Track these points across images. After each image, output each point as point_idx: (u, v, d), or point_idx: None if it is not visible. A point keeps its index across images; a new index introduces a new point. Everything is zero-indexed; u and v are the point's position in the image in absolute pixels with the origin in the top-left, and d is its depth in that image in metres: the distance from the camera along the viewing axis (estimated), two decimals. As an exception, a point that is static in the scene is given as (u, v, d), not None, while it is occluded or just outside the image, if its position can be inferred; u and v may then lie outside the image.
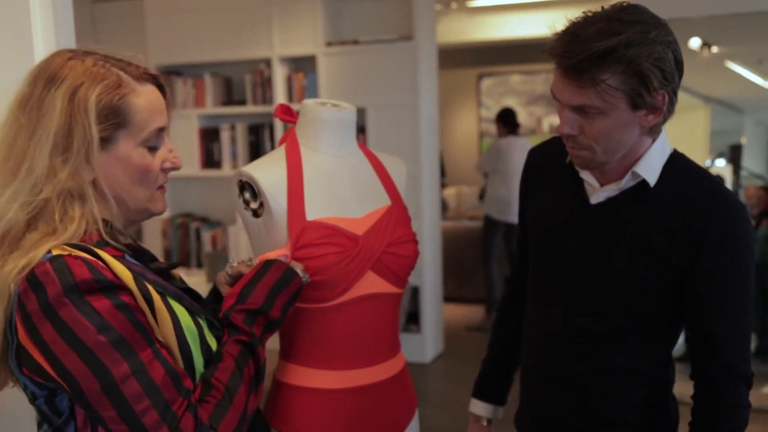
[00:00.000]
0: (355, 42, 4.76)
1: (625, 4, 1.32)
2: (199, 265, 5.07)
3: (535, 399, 1.56)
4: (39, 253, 1.04)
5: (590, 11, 1.32)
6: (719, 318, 1.38)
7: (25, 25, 1.57)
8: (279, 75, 4.92)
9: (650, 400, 1.47)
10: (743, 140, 9.19)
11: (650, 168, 1.39)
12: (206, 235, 5.10)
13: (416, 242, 1.56)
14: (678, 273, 1.37)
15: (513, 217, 5.85)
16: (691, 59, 4.48)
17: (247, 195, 1.47)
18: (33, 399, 1.12)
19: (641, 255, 1.38)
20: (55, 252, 1.05)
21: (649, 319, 1.42)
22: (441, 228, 5.23)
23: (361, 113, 4.68)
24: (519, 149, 5.78)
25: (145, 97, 1.15)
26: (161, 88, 1.21)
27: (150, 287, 1.10)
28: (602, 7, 1.32)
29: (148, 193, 1.19)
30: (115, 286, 1.04)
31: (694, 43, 4.41)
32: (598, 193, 1.43)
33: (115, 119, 1.11)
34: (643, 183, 1.39)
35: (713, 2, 3.92)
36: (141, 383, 1.02)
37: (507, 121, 6.02)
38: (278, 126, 4.89)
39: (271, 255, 1.36)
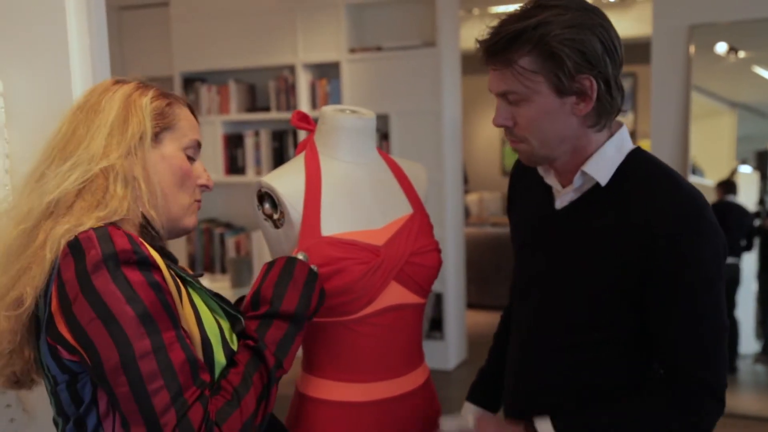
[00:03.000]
0: (379, 48, 4.77)
1: None
2: (223, 271, 5.10)
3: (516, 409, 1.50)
4: (86, 221, 1.08)
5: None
6: (677, 326, 1.27)
7: (61, 32, 1.60)
8: (303, 81, 4.94)
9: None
10: (770, 146, 9.07)
11: (601, 167, 1.32)
12: (230, 241, 5.12)
13: (439, 251, 1.54)
14: (637, 277, 1.28)
15: None
16: (717, 64, 4.44)
17: (267, 205, 1.45)
18: (54, 385, 1.12)
19: (600, 261, 1.31)
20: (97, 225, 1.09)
21: (616, 331, 1.34)
22: (464, 234, 5.21)
23: (384, 119, 4.69)
24: None
25: (185, 112, 1.27)
26: (193, 113, 1.32)
27: (178, 280, 1.13)
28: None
29: (188, 202, 1.25)
30: (151, 264, 1.07)
31: (721, 48, 4.37)
32: (561, 197, 1.38)
33: (163, 120, 1.21)
34: (598, 187, 1.33)
35: (740, 7, 3.88)
36: (159, 363, 1.02)
37: None
38: (302, 132, 4.91)
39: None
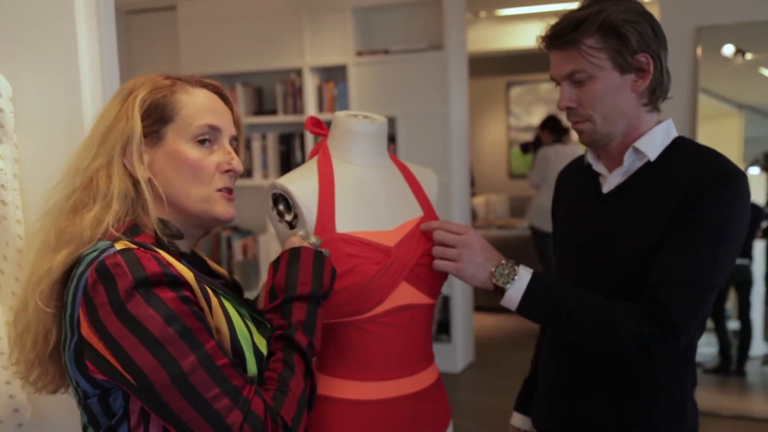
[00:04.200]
0: (386, 51, 4.78)
1: None
2: (230, 274, 5.11)
3: (554, 396, 1.57)
4: (84, 236, 1.10)
5: None
6: (669, 252, 1.35)
7: (71, 36, 1.60)
8: (310, 85, 4.95)
9: (667, 399, 1.45)
10: (778, 148, 9.04)
11: (651, 144, 1.44)
12: (237, 244, 5.14)
13: (448, 253, 1.56)
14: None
15: (545, 225, 5.84)
16: (725, 66, 4.44)
17: (281, 207, 1.48)
18: (84, 398, 1.11)
19: (647, 235, 1.39)
20: (119, 246, 1.07)
21: None
22: (471, 237, 5.21)
23: (391, 122, 4.70)
24: (568, 157, 5.79)
25: (194, 96, 1.21)
26: (224, 98, 1.27)
27: (208, 289, 1.13)
28: None
29: (204, 193, 1.20)
30: (180, 282, 1.06)
31: (728, 50, 4.36)
32: (608, 181, 1.48)
33: (159, 114, 1.17)
34: (647, 166, 1.43)
35: (747, 9, 3.88)
36: (209, 373, 1.03)
37: (555, 127, 5.99)
38: (309, 136, 4.92)
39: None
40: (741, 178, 1.37)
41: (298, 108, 5.02)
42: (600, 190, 1.51)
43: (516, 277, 1.39)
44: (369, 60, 4.79)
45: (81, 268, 1.08)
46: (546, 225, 5.86)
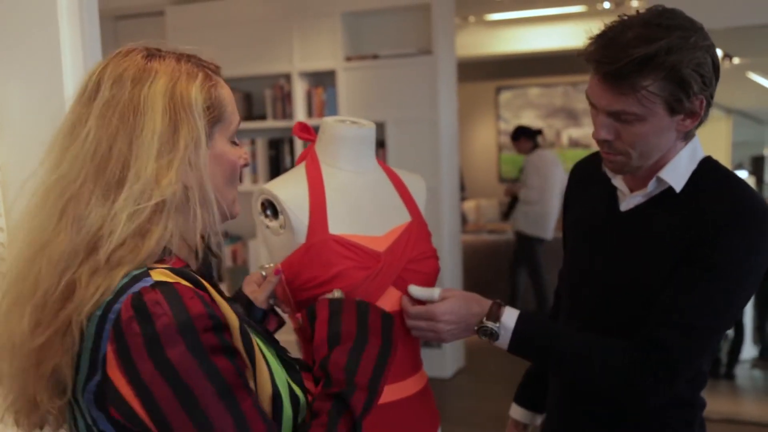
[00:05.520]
0: (375, 56, 4.78)
1: (660, 8, 1.29)
2: (220, 280, 5.10)
3: (564, 411, 1.55)
4: (117, 275, 0.92)
5: (625, 15, 1.30)
6: (684, 299, 1.29)
7: (54, 41, 1.59)
8: (299, 90, 4.95)
9: (677, 419, 1.43)
10: (766, 152, 9.09)
11: (676, 173, 1.35)
12: (227, 250, 5.12)
13: (437, 258, 1.56)
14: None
15: (545, 232, 5.84)
16: (713, 71, 4.48)
17: (269, 213, 1.47)
18: None
19: (662, 260, 1.34)
20: (157, 277, 0.93)
21: None
22: (461, 242, 5.21)
23: (380, 127, 4.69)
24: (555, 163, 5.89)
25: (226, 90, 1.07)
26: None
27: (251, 333, 1.01)
28: (637, 11, 1.31)
29: (234, 194, 1.10)
30: (224, 326, 0.94)
31: (715, 54, 4.39)
32: (627, 200, 1.42)
33: (214, 113, 1.02)
34: (671, 190, 1.36)
35: (735, 13, 3.89)
36: None
37: (529, 134, 6.04)
38: (298, 141, 4.91)
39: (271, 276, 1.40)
40: (765, 218, 1.30)
41: (287, 113, 5.01)
42: (617, 204, 1.44)
43: (501, 330, 1.38)
44: (358, 65, 4.79)
45: (110, 296, 0.92)
46: (539, 231, 5.87)
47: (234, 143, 1.08)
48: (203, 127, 0.99)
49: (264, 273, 1.44)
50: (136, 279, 0.92)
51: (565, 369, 1.39)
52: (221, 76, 1.08)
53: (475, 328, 1.40)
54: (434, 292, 1.45)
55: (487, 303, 1.42)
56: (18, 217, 1.02)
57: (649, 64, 1.22)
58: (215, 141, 1.04)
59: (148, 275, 0.93)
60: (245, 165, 1.11)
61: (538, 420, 1.74)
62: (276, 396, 1.01)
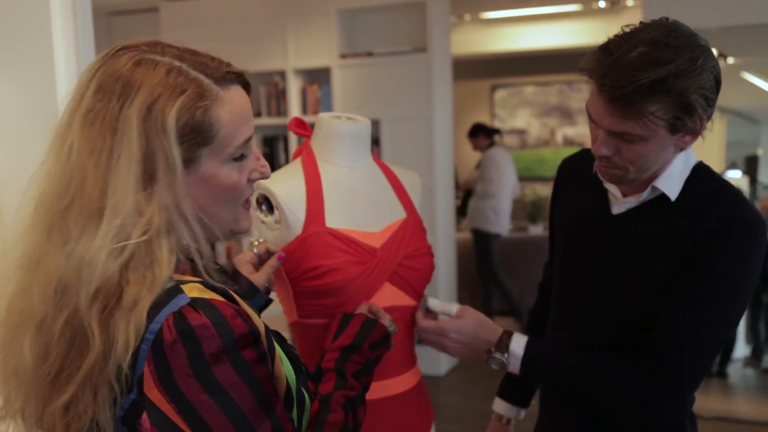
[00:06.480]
0: (370, 54, 4.78)
1: (666, 23, 1.27)
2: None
3: (554, 412, 1.56)
4: (142, 312, 0.88)
5: (629, 26, 1.28)
6: (687, 315, 1.30)
7: (46, 38, 1.58)
8: (293, 87, 4.94)
9: (668, 414, 1.44)
10: (760, 151, 9.13)
11: (671, 181, 1.36)
12: (221, 247, 5.11)
13: (431, 255, 1.56)
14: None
15: (502, 228, 5.81)
16: (707, 70, 4.49)
17: (264, 208, 1.47)
18: None
19: (654, 264, 1.35)
20: (192, 293, 0.92)
21: None
22: (455, 239, 5.21)
23: (375, 125, 4.67)
24: (506, 158, 5.97)
25: (229, 107, 0.97)
26: (247, 86, 1.04)
27: (272, 339, 1.03)
28: (640, 23, 1.29)
29: (234, 213, 1.03)
30: (259, 336, 0.95)
31: (710, 54, 4.41)
32: (619, 204, 1.42)
33: (196, 138, 0.94)
34: (664, 195, 1.37)
35: (729, 13, 3.90)
36: None
37: (486, 131, 6.09)
38: (292, 138, 4.90)
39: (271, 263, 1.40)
40: (759, 226, 1.31)
41: (281, 110, 5.00)
42: (608, 207, 1.44)
43: (509, 360, 1.42)
44: (353, 62, 4.78)
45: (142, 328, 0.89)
46: (497, 227, 5.80)
47: (242, 156, 1.00)
48: (178, 155, 0.91)
49: (256, 251, 1.42)
50: (169, 295, 0.90)
51: (578, 392, 1.41)
52: (232, 80, 1.00)
53: (486, 357, 1.44)
54: (452, 308, 1.48)
55: (497, 332, 1.44)
56: (17, 217, 0.98)
57: (657, 90, 1.21)
58: (201, 164, 0.96)
59: (181, 290, 0.91)
60: (260, 177, 1.06)
61: (522, 414, 1.75)
62: (288, 398, 1.02)
